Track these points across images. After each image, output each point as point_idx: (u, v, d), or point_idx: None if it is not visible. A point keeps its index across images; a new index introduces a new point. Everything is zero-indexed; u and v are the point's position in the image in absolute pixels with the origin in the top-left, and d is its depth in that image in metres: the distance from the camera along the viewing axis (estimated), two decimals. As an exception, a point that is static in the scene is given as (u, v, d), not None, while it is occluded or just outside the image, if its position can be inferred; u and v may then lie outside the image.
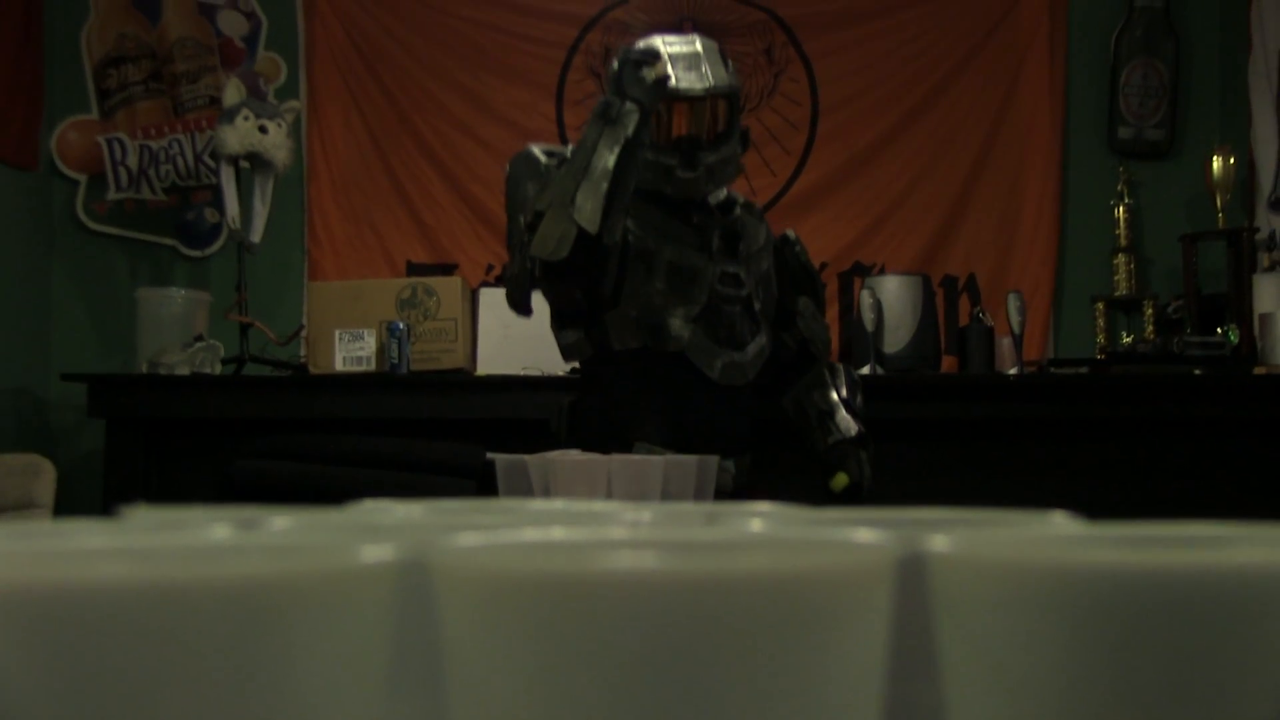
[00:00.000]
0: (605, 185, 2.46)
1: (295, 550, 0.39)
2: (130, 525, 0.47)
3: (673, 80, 2.58)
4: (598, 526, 0.43)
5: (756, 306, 2.82)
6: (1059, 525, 0.44)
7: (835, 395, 3.00)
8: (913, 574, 0.39)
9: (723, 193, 2.85)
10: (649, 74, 2.53)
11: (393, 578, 0.37)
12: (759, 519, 0.49)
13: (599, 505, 0.56)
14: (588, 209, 2.48)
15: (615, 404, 2.73)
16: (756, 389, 2.89)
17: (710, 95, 2.64)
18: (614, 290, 2.66)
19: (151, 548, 0.40)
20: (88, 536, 0.41)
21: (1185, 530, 0.43)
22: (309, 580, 0.35)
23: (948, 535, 0.39)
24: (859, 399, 3.04)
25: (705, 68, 2.63)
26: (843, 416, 2.98)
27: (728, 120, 2.71)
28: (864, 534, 0.40)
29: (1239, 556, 0.35)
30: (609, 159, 2.45)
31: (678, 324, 2.69)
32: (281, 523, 0.48)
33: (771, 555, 0.35)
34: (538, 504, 0.60)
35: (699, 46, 2.68)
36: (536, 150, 2.80)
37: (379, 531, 0.48)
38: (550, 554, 0.39)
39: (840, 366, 3.10)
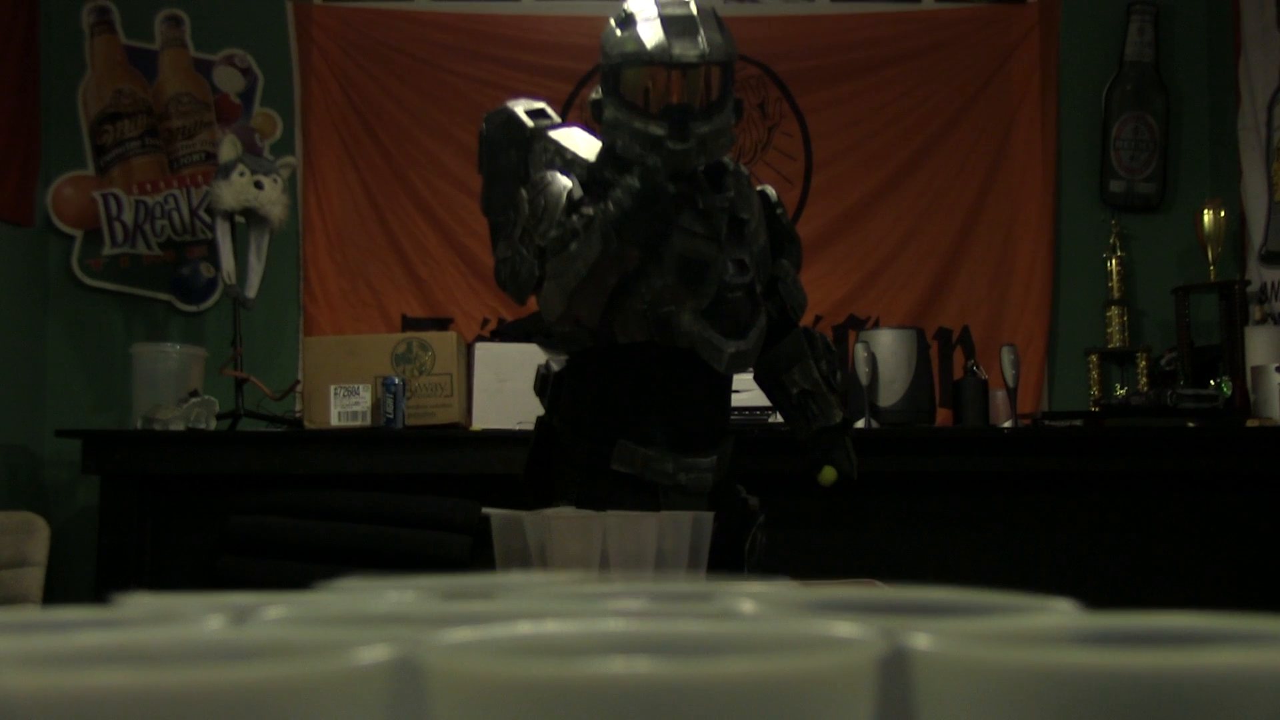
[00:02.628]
0: (602, 297, 2.52)
1: (289, 651, 0.40)
2: (124, 617, 0.48)
3: (649, 45, 2.51)
4: (590, 618, 0.44)
5: (758, 289, 2.72)
6: (1051, 615, 0.45)
7: (815, 372, 2.87)
8: (896, 670, 0.39)
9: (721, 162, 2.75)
10: (632, 180, 2.47)
11: (386, 677, 0.38)
12: (748, 602, 0.50)
13: (589, 586, 0.56)
14: (584, 312, 2.52)
15: (612, 397, 2.66)
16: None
17: (704, 63, 2.52)
18: (619, 283, 2.57)
19: (145, 647, 0.40)
20: (81, 634, 0.41)
21: (1179, 622, 0.43)
22: (304, 683, 0.35)
23: (932, 630, 0.39)
24: (838, 375, 2.92)
25: (701, 33, 2.52)
26: (824, 397, 2.85)
27: (721, 89, 2.59)
28: (848, 629, 0.41)
29: (1229, 659, 0.35)
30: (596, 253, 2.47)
31: (688, 318, 2.59)
32: (274, 613, 0.48)
33: (755, 658, 0.36)
34: (528, 581, 0.61)
35: (694, 8, 2.57)
36: (520, 111, 2.73)
37: (371, 623, 0.48)
38: (541, 655, 0.39)
39: (817, 335, 2.99)
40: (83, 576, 4.38)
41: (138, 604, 0.51)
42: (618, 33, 2.60)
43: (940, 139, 4.98)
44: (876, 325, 4.72)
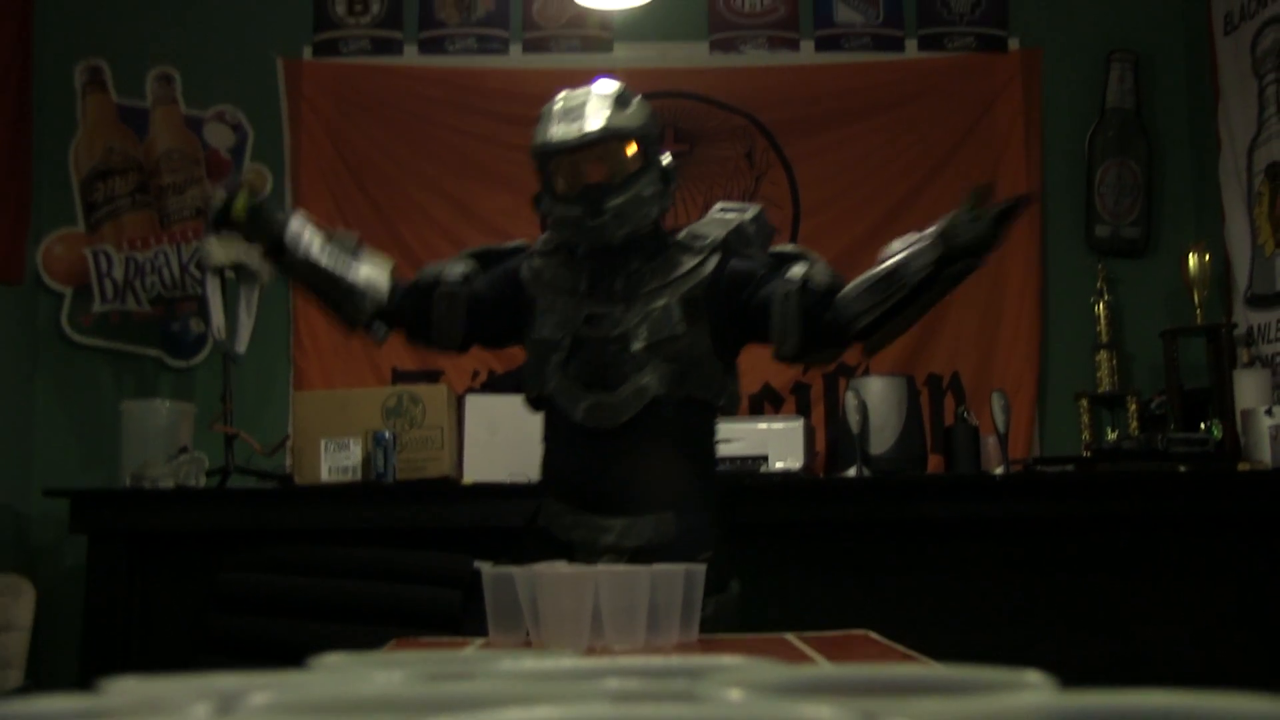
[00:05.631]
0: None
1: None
2: (109, 708, 0.48)
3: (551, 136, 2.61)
4: (575, 704, 0.44)
5: (637, 346, 2.64)
6: (1023, 695, 0.45)
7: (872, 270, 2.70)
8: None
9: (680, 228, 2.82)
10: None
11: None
12: (733, 688, 0.50)
13: (573, 663, 0.56)
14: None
15: (545, 451, 2.80)
16: (687, 444, 2.73)
17: (583, 144, 2.59)
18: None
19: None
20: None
21: (1152, 702, 0.43)
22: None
23: (907, 714, 0.40)
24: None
25: (587, 115, 2.59)
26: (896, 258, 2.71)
27: (640, 162, 2.65)
28: (828, 713, 0.41)
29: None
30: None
31: (550, 369, 2.68)
32: (260, 700, 0.48)
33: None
34: (514, 658, 0.61)
35: (589, 94, 2.65)
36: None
37: (358, 712, 0.48)
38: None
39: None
40: (69, 638, 4.34)
41: (123, 691, 0.51)
42: (536, 129, 2.71)
43: (926, 186, 5.01)
44: (866, 372, 4.73)
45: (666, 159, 2.74)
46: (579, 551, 2.60)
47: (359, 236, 3.01)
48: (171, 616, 3.99)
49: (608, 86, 2.69)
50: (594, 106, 2.61)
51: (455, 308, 2.85)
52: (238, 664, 3.76)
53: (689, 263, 2.69)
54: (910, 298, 2.66)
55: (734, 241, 2.74)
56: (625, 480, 2.63)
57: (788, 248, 2.87)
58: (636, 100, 2.70)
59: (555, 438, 2.75)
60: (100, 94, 5.02)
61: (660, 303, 2.65)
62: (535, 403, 2.78)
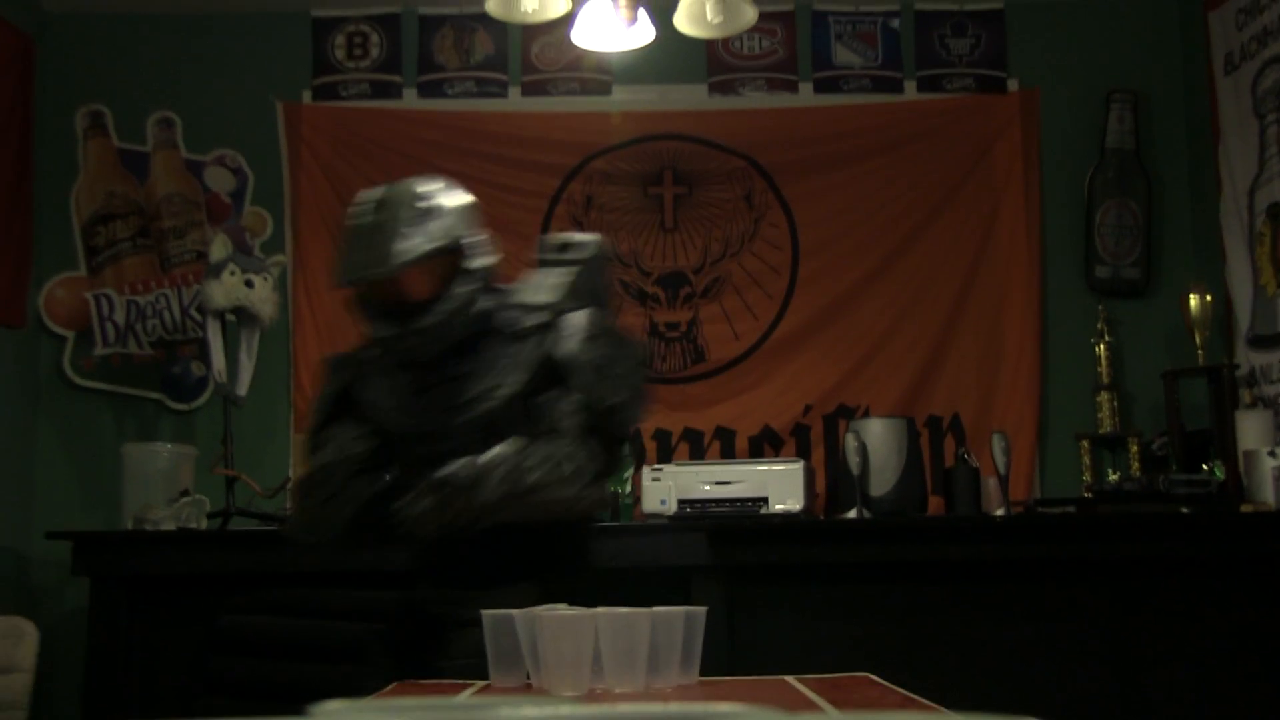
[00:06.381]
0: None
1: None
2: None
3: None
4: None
5: (473, 454, 2.56)
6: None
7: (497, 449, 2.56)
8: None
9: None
10: None
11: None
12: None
13: (576, 710, 0.56)
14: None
15: None
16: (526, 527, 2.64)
17: (364, 279, 2.53)
18: None
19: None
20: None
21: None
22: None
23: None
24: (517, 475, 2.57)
25: (382, 244, 2.50)
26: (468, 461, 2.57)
27: (446, 271, 2.58)
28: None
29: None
30: None
31: (408, 479, 2.64)
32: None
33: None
34: (516, 710, 0.61)
35: (386, 211, 2.54)
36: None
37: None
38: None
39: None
40: (71, 679, 4.33)
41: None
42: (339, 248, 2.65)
43: (925, 227, 5.02)
44: (866, 414, 4.73)
45: (478, 262, 2.62)
46: (443, 622, 2.58)
47: None
48: (173, 658, 3.98)
49: (405, 194, 2.57)
50: (387, 231, 2.51)
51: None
52: (237, 707, 3.75)
53: (509, 357, 2.61)
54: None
55: (553, 320, 2.64)
56: (491, 557, 2.61)
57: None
58: (439, 199, 2.58)
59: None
60: (101, 138, 5.04)
61: (487, 406, 2.59)
62: None
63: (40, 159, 4.97)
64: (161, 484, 4.30)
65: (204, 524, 4.16)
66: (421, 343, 2.55)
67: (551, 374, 2.60)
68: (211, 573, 3.96)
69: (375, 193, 2.61)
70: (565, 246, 2.78)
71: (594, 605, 2.06)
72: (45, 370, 4.91)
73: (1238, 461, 4.25)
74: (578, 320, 2.63)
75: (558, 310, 2.63)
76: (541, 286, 2.68)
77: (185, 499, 4.24)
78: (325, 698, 0.86)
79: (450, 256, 2.58)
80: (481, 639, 2.53)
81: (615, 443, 2.70)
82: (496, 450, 2.53)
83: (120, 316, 4.90)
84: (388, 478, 2.66)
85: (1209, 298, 4.58)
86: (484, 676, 2.46)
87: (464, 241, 2.61)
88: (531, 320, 2.62)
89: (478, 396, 2.57)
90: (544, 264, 2.74)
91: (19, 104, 4.84)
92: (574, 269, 2.71)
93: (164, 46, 5.14)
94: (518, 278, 2.78)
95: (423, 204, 2.56)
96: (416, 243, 2.51)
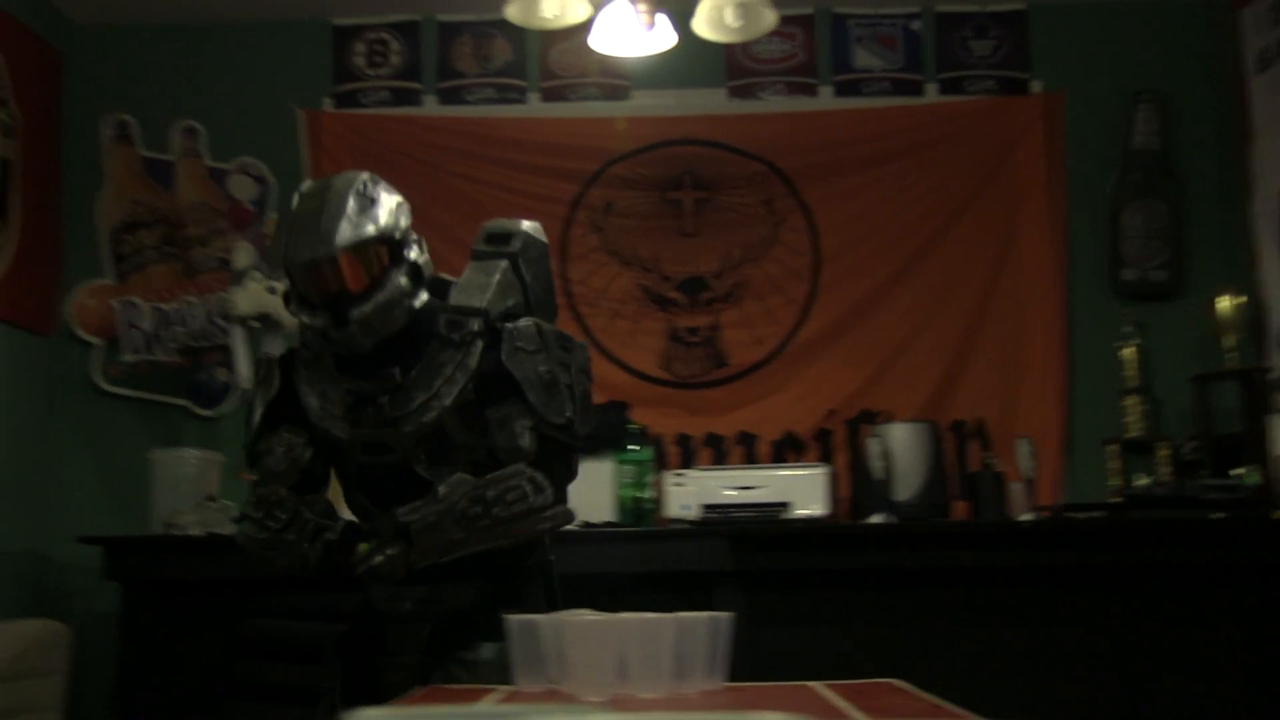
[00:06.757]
0: None
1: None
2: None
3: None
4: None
5: (421, 467, 2.52)
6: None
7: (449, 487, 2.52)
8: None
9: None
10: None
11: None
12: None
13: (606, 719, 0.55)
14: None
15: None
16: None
17: (314, 262, 2.43)
18: None
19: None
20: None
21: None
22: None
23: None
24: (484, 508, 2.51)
25: (322, 229, 2.43)
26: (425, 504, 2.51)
27: (383, 261, 2.50)
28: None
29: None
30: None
31: (350, 489, 2.63)
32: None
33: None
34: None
35: (327, 195, 2.48)
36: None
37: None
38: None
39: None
40: (103, 682, 4.36)
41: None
42: (276, 233, 2.58)
43: (948, 230, 5.00)
44: (890, 419, 4.70)
45: (415, 254, 2.57)
46: (388, 619, 2.57)
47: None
48: (203, 660, 4.01)
49: (349, 182, 2.52)
50: (331, 212, 2.45)
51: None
52: (265, 710, 3.77)
53: (451, 364, 2.53)
54: None
55: (498, 327, 2.56)
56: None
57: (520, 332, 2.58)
58: (380, 192, 2.54)
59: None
60: (126, 148, 5.08)
61: (431, 416, 2.50)
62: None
63: (66, 168, 5.01)
64: (188, 489, 4.32)
65: (230, 529, 4.17)
66: (356, 334, 2.45)
67: (496, 384, 2.52)
68: (239, 577, 3.97)
69: (318, 183, 2.56)
70: (494, 237, 2.69)
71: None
72: (74, 377, 4.95)
73: (1270, 466, 4.21)
74: (523, 330, 2.56)
75: (493, 314, 2.55)
76: (473, 286, 2.60)
77: (212, 504, 4.26)
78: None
79: (390, 247, 2.52)
80: (428, 635, 2.52)
81: (570, 454, 2.67)
82: (454, 483, 2.51)
83: (147, 324, 4.94)
84: (341, 525, 2.63)
85: (1239, 300, 4.54)
86: (429, 675, 2.46)
87: (402, 234, 2.56)
88: (470, 326, 2.54)
89: (422, 406, 2.50)
90: (475, 256, 2.66)
91: (47, 115, 4.88)
92: (503, 264, 2.63)
93: (188, 56, 5.17)
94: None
95: (366, 194, 2.51)
96: (361, 227, 2.46)
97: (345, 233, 2.43)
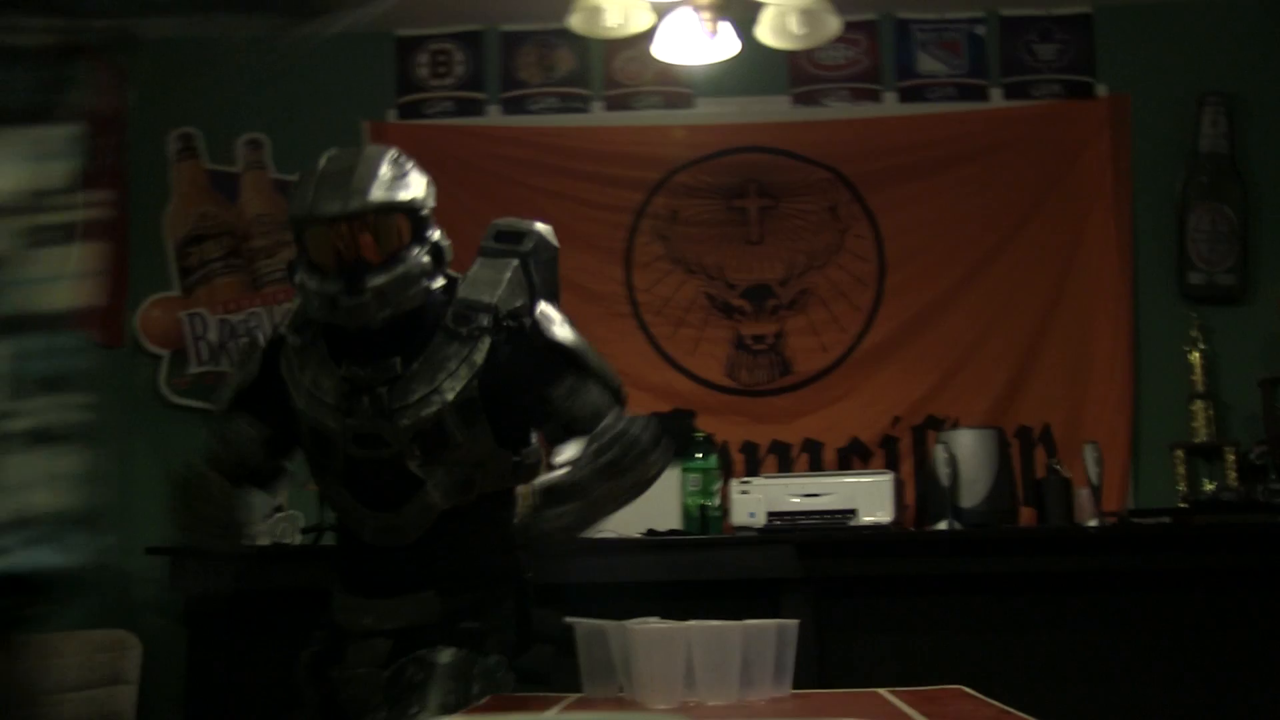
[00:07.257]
0: None
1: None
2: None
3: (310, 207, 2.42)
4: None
5: (414, 463, 2.46)
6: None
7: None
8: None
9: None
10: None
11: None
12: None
13: None
14: None
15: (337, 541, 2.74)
16: (472, 527, 2.56)
17: (345, 217, 2.38)
18: None
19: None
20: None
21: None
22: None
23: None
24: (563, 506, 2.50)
25: (352, 186, 2.39)
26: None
27: (407, 237, 2.46)
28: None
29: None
30: None
31: (333, 486, 2.56)
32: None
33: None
34: None
35: (358, 157, 2.46)
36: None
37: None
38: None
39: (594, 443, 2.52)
40: (173, 692, 4.41)
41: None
42: (293, 191, 2.50)
43: (1013, 235, 4.96)
44: (956, 425, 4.68)
45: (437, 235, 2.53)
46: (348, 633, 2.56)
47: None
48: (270, 671, 4.04)
49: (382, 150, 2.51)
50: (363, 173, 2.42)
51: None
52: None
53: (456, 358, 2.47)
54: None
55: (502, 315, 2.52)
56: (395, 566, 2.53)
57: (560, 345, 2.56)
58: (412, 167, 2.52)
59: (344, 534, 2.66)
60: (192, 160, 5.14)
61: (430, 411, 2.43)
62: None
63: (132, 181, 5.07)
64: (255, 500, 4.36)
65: (298, 539, 4.21)
66: (370, 304, 2.38)
67: (508, 381, 2.48)
68: (306, 588, 4.00)
69: (348, 150, 2.54)
70: (504, 235, 2.65)
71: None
72: (142, 389, 5.00)
73: (1339, 471, 4.16)
74: (551, 312, 2.56)
75: (502, 312, 2.50)
76: (483, 282, 2.55)
77: (279, 515, 4.30)
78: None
79: (413, 222, 2.48)
80: (382, 649, 2.51)
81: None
82: (572, 447, 2.51)
83: (213, 335, 4.99)
84: (319, 637, 2.65)
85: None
86: (379, 687, 2.45)
87: (429, 211, 2.54)
88: (479, 320, 2.49)
89: (422, 399, 2.43)
90: (483, 253, 2.62)
91: (114, 129, 4.94)
92: (514, 263, 2.59)
93: (251, 69, 5.22)
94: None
95: (400, 162, 2.50)
96: (395, 190, 2.44)
97: (378, 192, 2.41)
